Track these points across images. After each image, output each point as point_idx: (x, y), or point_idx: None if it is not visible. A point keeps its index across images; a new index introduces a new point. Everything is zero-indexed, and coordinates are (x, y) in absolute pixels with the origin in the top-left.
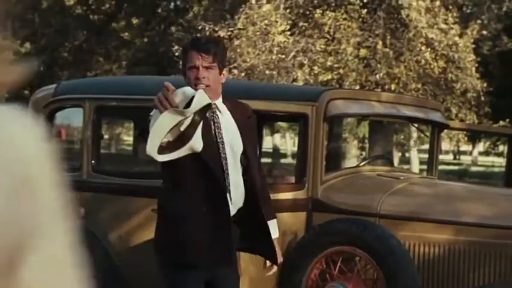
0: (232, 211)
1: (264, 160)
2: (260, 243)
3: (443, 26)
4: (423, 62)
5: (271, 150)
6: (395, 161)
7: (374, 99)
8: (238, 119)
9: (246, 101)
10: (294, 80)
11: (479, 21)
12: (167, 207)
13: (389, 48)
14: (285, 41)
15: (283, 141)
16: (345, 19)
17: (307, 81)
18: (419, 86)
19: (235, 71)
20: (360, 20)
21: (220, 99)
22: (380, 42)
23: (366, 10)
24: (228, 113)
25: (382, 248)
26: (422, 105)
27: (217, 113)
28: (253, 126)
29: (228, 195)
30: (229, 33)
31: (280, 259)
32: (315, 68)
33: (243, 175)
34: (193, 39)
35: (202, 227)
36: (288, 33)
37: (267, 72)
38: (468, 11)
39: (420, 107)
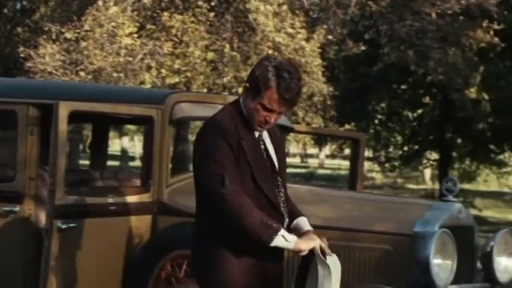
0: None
1: (111, 163)
2: None
3: (290, 30)
4: None
5: (119, 153)
6: None
7: (220, 103)
8: (273, 139)
9: (92, 103)
10: (142, 82)
11: (325, 26)
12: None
13: (236, 52)
14: (132, 44)
15: (131, 144)
16: (192, 22)
17: (154, 84)
18: None
19: (82, 73)
20: (208, 23)
21: None
22: (227, 46)
23: (213, 13)
24: (267, 135)
25: None
26: None
27: (266, 141)
28: (282, 142)
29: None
30: (76, 34)
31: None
32: (163, 70)
33: None
34: (282, 75)
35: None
36: (136, 35)
37: (115, 74)
38: (315, 15)
39: None
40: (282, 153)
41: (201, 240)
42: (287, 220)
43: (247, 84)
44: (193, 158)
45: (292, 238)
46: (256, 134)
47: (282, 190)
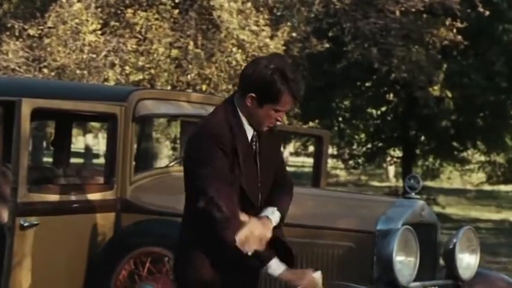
0: None
1: (75, 161)
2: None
3: (254, 27)
4: (234, 63)
5: (83, 151)
6: None
7: (184, 100)
8: (261, 137)
9: (55, 100)
10: (105, 79)
11: (289, 24)
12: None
13: (200, 49)
14: (96, 41)
15: (95, 142)
16: (156, 19)
17: (118, 81)
18: (230, 86)
19: (46, 70)
20: (172, 20)
21: None
22: (191, 43)
23: (177, 10)
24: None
25: None
26: None
27: (257, 144)
28: (276, 138)
29: None
30: (39, 31)
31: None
32: (126, 67)
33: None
34: (289, 77)
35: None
36: (99, 32)
37: (78, 71)
38: (279, 13)
39: None
40: (273, 150)
41: (184, 240)
42: None
43: (254, 95)
44: (186, 162)
45: (280, 270)
46: (250, 134)
47: (263, 192)
